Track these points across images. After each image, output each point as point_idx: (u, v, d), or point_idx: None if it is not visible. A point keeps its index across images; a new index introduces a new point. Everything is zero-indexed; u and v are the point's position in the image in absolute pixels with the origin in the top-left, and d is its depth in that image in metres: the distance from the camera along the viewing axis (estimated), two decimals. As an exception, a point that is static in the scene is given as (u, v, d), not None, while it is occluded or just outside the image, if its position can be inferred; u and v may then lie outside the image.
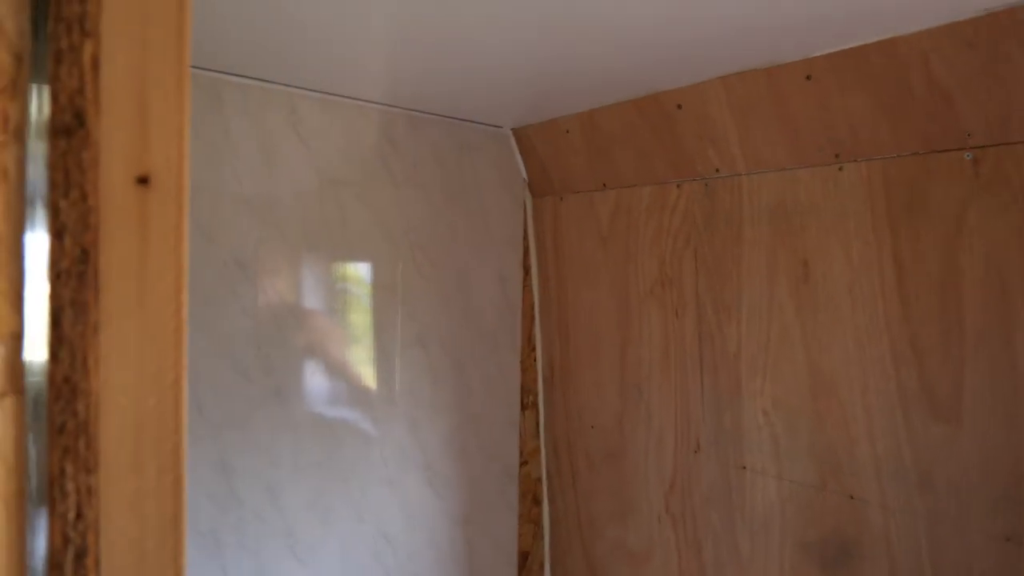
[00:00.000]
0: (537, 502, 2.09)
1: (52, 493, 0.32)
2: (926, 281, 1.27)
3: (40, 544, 0.33)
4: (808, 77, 1.32)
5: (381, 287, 1.80)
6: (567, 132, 1.81)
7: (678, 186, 1.65)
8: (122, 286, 0.33)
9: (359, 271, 1.77)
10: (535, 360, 2.05)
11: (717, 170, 1.56)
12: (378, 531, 1.80)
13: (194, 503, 1.53)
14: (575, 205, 1.90)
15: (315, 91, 1.65)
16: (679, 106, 1.54)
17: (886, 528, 1.35)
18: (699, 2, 1.12)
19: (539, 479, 2.09)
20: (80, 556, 0.32)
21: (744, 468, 1.57)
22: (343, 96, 1.69)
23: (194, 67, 1.49)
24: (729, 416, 1.59)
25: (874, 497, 1.36)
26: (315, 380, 1.71)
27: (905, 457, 1.31)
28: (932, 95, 1.21)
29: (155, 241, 0.33)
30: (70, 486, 0.32)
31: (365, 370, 1.79)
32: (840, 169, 1.36)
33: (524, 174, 2.00)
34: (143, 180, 0.33)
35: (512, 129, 1.96)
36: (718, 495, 1.63)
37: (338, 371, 1.74)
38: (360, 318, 1.78)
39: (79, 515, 0.32)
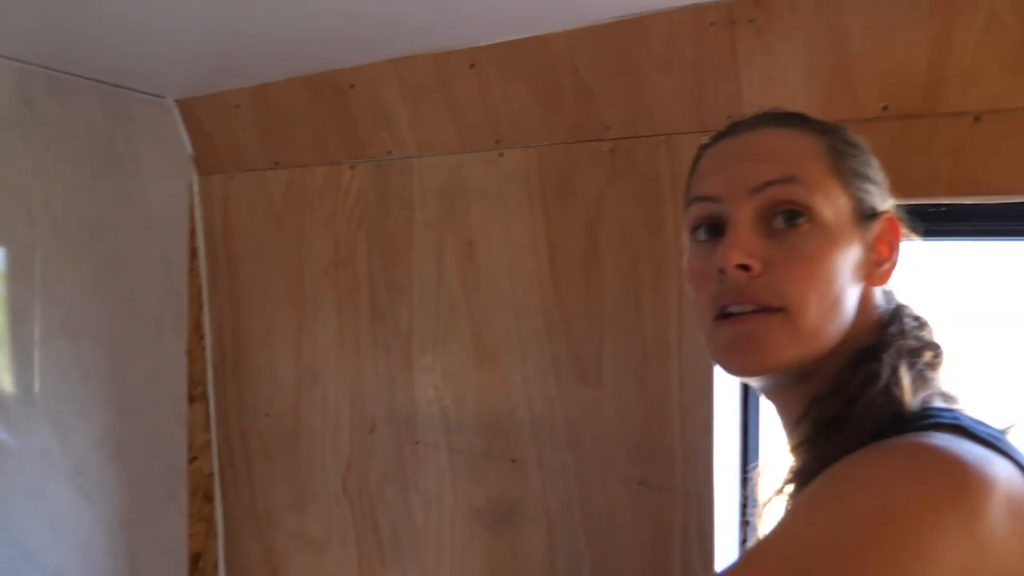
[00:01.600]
0: (209, 499, 1.98)
1: None
2: (573, 258, 1.40)
3: None
4: (472, 65, 1.40)
5: (16, 270, 1.58)
6: (237, 106, 1.73)
7: (352, 167, 1.65)
8: None
9: (-13, 252, 1.54)
10: (204, 348, 1.94)
11: (390, 152, 1.59)
12: (17, 551, 1.58)
13: None
14: (246, 184, 1.82)
15: (-76, 38, 1.40)
16: (352, 86, 1.54)
17: (543, 485, 1.47)
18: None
19: (211, 474, 1.97)
20: None
21: (417, 443, 1.62)
22: (-38, 46, 1.45)
23: None
24: (402, 393, 1.63)
25: (532, 458, 1.48)
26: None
27: (558, 418, 1.44)
28: (578, 90, 1.34)
29: None
30: None
31: (-5, 367, 1.56)
32: (501, 155, 1.46)
33: (190, 149, 1.88)
34: None
35: (176, 100, 1.82)
36: (393, 471, 1.67)
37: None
38: (-12, 305, 1.55)
39: None
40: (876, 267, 0.82)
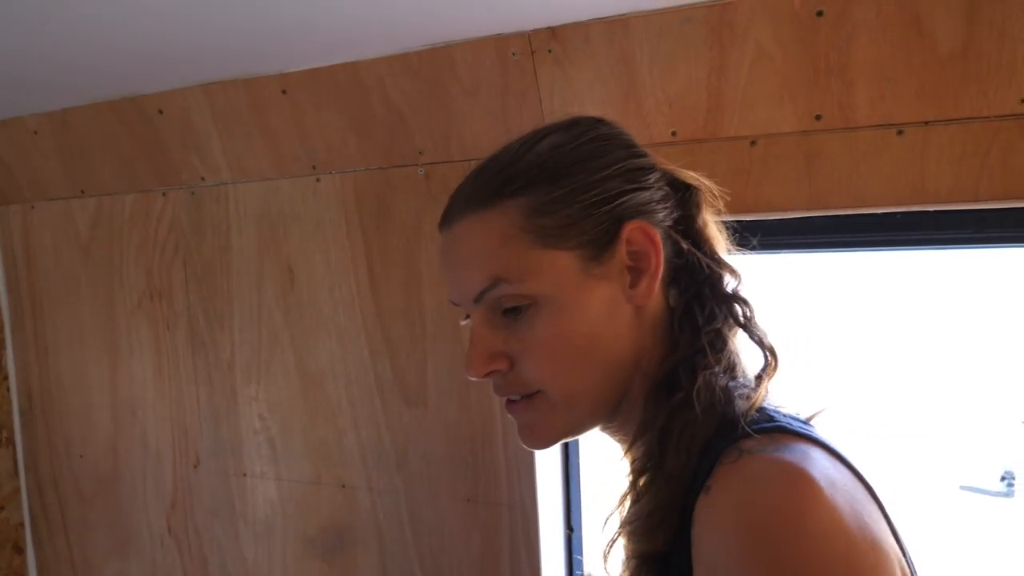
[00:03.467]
0: (20, 551, 1.84)
1: None
2: (394, 282, 1.41)
3: None
4: (284, 91, 1.38)
5: None
6: (35, 133, 1.62)
7: (164, 194, 1.59)
8: None
9: None
10: (8, 390, 1.80)
11: (203, 178, 1.54)
12: None
13: None
14: (49, 213, 1.71)
15: None
16: (160, 111, 1.49)
17: (374, 508, 1.47)
18: (169, 7, 1.10)
19: (21, 524, 1.83)
20: None
21: (245, 475, 1.58)
22: None
23: None
24: (227, 425, 1.58)
25: (362, 482, 1.47)
26: None
27: (385, 441, 1.44)
28: (390, 116, 1.35)
29: None
30: None
31: None
32: (317, 180, 1.45)
33: (-16, 178, 1.75)
34: None
35: (-35, 126, 1.69)
36: (221, 507, 1.61)
37: None
38: None
39: None
40: (632, 290, 0.77)
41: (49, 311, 1.75)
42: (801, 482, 0.60)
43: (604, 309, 0.76)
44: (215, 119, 1.46)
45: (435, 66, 1.28)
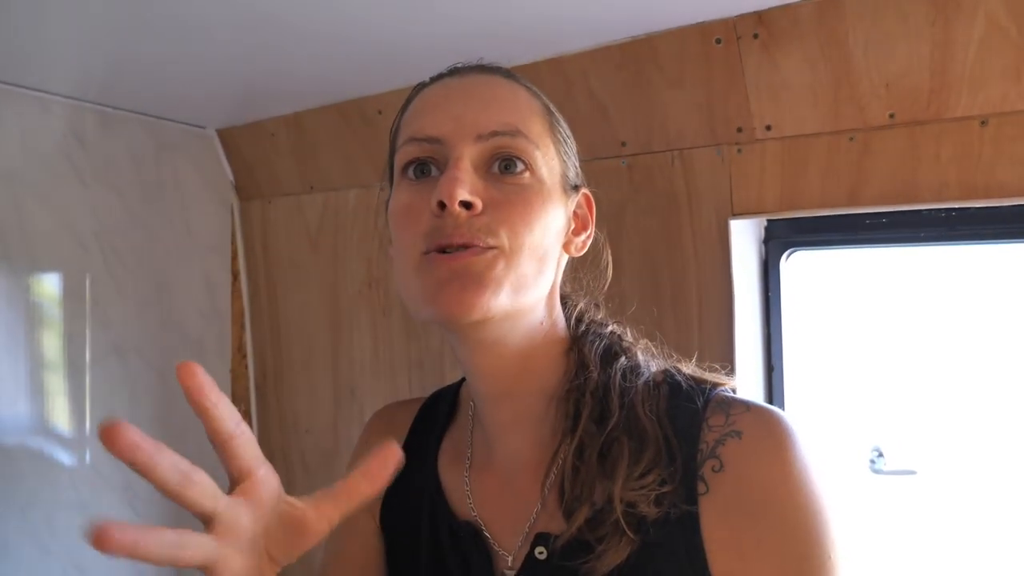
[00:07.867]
0: (253, 513, 2.04)
1: None
2: (594, 272, 1.43)
3: None
4: (492, 89, 1.45)
5: (69, 295, 1.66)
6: (273, 135, 1.81)
7: (382, 189, 1.70)
8: None
9: (40, 278, 1.63)
10: (247, 367, 2.01)
11: (417, 174, 1.64)
12: (70, 563, 1.64)
13: None
14: (283, 208, 1.90)
15: (-19, 80, 1.50)
16: (380, 112, 1.60)
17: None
18: (387, 20, 1.19)
19: (254, 489, 2.04)
20: None
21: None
22: (17, 86, 1.55)
23: None
24: (435, 407, 1.67)
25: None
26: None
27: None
28: (593, 109, 1.37)
29: None
30: None
31: (50, 386, 1.64)
32: (522, 173, 1.50)
33: (230, 176, 1.96)
34: None
35: (216, 130, 1.91)
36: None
37: (12, 388, 1.58)
38: (42, 329, 1.63)
39: None
40: (574, 236, 0.87)
41: (282, 296, 1.93)
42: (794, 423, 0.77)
43: (558, 229, 0.82)
44: (428, 118, 1.55)
45: (638, 57, 1.29)
